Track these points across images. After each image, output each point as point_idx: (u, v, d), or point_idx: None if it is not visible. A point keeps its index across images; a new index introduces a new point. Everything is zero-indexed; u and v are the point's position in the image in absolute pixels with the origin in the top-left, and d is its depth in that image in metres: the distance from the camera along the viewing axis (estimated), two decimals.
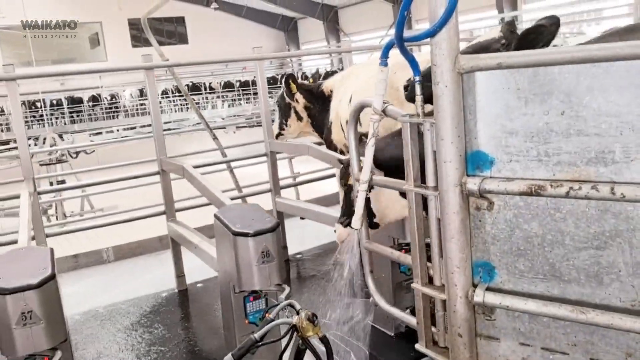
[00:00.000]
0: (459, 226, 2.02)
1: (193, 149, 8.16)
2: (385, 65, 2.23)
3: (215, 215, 3.06)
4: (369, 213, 2.76)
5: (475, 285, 2.07)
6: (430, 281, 2.32)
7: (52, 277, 2.37)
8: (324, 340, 2.27)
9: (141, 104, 25.19)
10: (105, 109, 25.06)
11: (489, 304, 2.02)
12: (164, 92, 25.67)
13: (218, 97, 26.53)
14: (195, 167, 4.40)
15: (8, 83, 4.20)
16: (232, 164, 6.46)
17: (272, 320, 2.27)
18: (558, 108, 1.80)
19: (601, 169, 1.76)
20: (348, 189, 2.99)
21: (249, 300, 3.03)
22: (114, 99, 25.74)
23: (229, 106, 25.55)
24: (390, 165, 2.65)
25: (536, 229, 1.92)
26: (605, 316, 1.78)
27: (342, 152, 4.18)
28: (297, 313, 2.24)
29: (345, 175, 3.05)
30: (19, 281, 2.32)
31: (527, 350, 2.06)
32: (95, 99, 25.06)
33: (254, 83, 26.80)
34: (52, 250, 2.60)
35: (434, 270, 2.26)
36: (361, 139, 2.65)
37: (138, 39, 28.85)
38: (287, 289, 2.80)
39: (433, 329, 2.34)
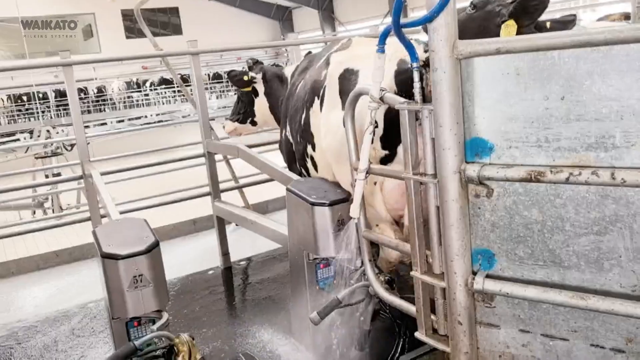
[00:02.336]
0: (458, 213, 2.01)
1: (187, 140, 8.12)
2: (383, 52, 2.20)
3: (288, 189, 3.27)
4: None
5: (474, 273, 2.06)
6: (429, 269, 2.31)
7: (157, 243, 2.60)
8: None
9: (128, 97, 25.08)
10: (93, 102, 24.88)
11: (488, 291, 2.02)
12: (152, 84, 25.56)
13: (207, 88, 26.41)
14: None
15: (65, 69, 4.52)
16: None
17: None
18: (558, 93, 1.78)
19: (601, 154, 1.74)
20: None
21: (320, 267, 3.18)
22: (101, 92, 25.55)
23: (217, 97, 25.43)
24: None
25: (536, 215, 1.91)
26: (606, 302, 1.77)
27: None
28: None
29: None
30: (129, 248, 2.52)
31: (527, 337, 2.06)
32: (82, 92, 24.89)
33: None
34: (146, 221, 2.79)
35: (433, 259, 2.25)
36: None
37: (132, 30, 28.60)
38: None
39: (432, 317, 2.33)
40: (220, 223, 5.25)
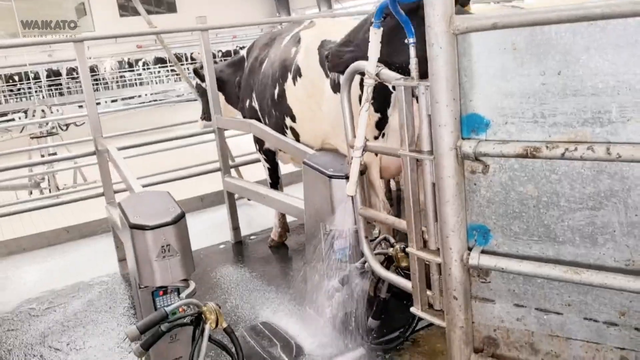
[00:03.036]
0: (454, 190, 2.01)
1: (184, 119, 8.12)
2: (379, 27, 2.19)
3: (305, 162, 3.42)
4: None
5: (470, 249, 2.08)
6: (425, 245, 2.33)
7: (183, 214, 2.67)
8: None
9: (121, 76, 24.87)
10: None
11: (484, 266, 2.03)
12: (145, 63, 25.32)
13: (201, 67, 26.20)
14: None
15: (76, 45, 4.56)
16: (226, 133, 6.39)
17: None
18: (554, 68, 1.78)
19: (597, 130, 1.74)
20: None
21: (336, 238, 3.25)
22: (93, 72, 25.33)
23: None
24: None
25: (531, 191, 1.92)
26: (600, 276, 1.79)
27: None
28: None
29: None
30: (157, 219, 2.58)
31: (521, 311, 2.08)
32: (74, 71, 24.67)
33: (235, 52, 26.70)
34: (169, 193, 2.85)
35: (429, 235, 2.27)
36: None
37: (125, 8, 28.21)
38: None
39: (428, 292, 2.36)
40: (231, 198, 5.34)
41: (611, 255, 1.83)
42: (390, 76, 2.30)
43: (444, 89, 1.93)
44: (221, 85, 5.30)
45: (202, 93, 5.57)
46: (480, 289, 2.14)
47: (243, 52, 5.18)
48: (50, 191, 9.21)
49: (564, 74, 1.76)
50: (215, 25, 6.09)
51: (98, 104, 20.11)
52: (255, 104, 4.54)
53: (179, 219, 2.65)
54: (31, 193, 9.11)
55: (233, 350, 2.53)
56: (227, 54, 26.86)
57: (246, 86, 4.76)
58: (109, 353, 3.64)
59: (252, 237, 5.55)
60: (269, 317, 3.81)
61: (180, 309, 2.44)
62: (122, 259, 4.90)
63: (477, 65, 1.92)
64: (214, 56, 27.06)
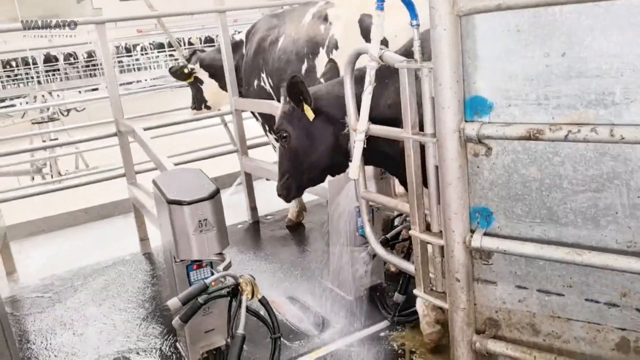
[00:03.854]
0: (457, 172, 2.02)
1: (184, 104, 8.14)
2: (382, 9, 2.17)
3: None
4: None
5: (472, 231, 2.08)
6: (427, 228, 2.34)
7: (218, 190, 2.76)
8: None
9: (119, 61, 24.79)
10: (82, 67, 24.60)
11: (486, 248, 2.04)
12: (143, 48, 25.21)
13: (201, 51, 26.12)
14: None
15: (98, 27, 4.64)
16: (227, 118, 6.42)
17: None
18: (559, 50, 1.77)
19: (601, 111, 1.74)
20: None
21: (360, 215, 3.25)
22: (91, 57, 25.21)
23: None
24: None
25: (534, 173, 1.93)
26: (601, 257, 1.80)
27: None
28: None
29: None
30: (193, 194, 2.67)
31: (523, 293, 2.10)
32: (70, 57, 24.59)
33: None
34: (202, 170, 2.95)
35: (431, 217, 2.28)
36: None
37: None
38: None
39: (430, 274, 2.37)
40: (248, 178, 5.42)
41: (613, 237, 1.84)
42: (393, 58, 2.29)
43: (447, 71, 1.92)
44: (213, 72, 5.41)
45: (193, 82, 5.66)
46: (483, 271, 2.15)
47: (240, 36, 5.24)
48: (52, 177, 9.23)
49: (568, 55, 1.75)
50: (234, 7, 6.08)
51: (96, 89, 20.09)
52: (266, 84, 4.57)
53: (215, 195, 2.73)
54: (33, 179, 9.13)
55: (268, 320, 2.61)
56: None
57: (252, 67, 4.79)
58: (132, 327, 3.78)
59: (268, 217, 5.67)
60: (293, 294, 3.94)
61: (212, 283, 2.50)
62: (143, 238, 5.05)
63: (481, 47, 1.91)
64: (213, 40, 26.99)
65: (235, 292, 2.50)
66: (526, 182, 1.95)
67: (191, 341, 2.93)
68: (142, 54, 25.05)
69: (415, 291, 2.45)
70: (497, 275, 2.13)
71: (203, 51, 6.06)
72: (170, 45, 24.51)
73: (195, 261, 2.84)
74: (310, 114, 2.94)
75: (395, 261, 2.64)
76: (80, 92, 20.38)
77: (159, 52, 25.13)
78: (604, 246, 1.85)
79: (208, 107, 5.78)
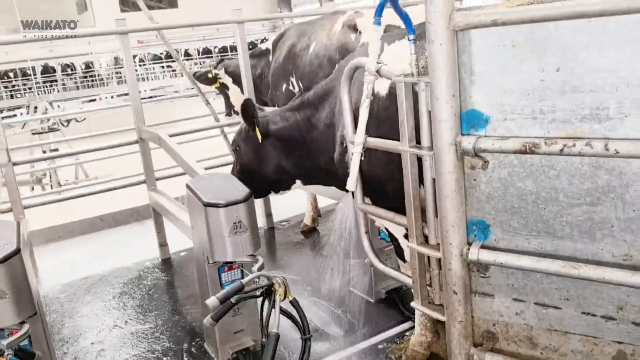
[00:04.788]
0: (454, 185, 2.03)
1: (180, 115, 8.27)
2: (379, 24, 2.20)
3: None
4: None
5: (470, 244, 2.09)
6: (425, 241, 2.35)
7: (251, 194, 2.86)
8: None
9: (117, 72, 24.92)
10: (80, 77, 24.70)
11: (483, 261, 2.05)
12: (141, 60, 25.37)
13: (196, 63, 26.30)
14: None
15: (121, 37, 4.70)
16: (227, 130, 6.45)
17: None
18: (554, 65, 1.79)
19: (595, 126, 1.76)
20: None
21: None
22: (89, 68, 25.29)
23: None
24: None
25: (530, 186, 1.94)
26: (598, 270, 1.81)
27: None
28: None
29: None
30: (228, 197, 2.76)
31: (520, 306, 2.10)
32: (68, 68, 24.70)
33: (232, 49, 26.80)
34: (232, 175, 3.07)
35: (429, 230, 2.29)
36: None
37: (127, 3, 28.16)
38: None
39: (428, 287, 2.38)
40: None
41: (609, 250, 1.85)
42: (390, 72, 2.31)
43: (443, 85, 1.94)
44: (237, 78, 5.56)
45: (220, 88, 5.95)
46: (480, 283, 2.16)
47: (266, 45, 5.44)
48: (52, 187, 9.24)
49: (563, 70, 1.77)
50: (250, 18, 6.19)
51: (93, 101, 20.14)
52: (295, 87, 4.74)
53: (248, 197, 2.83)
54: (33, 189, 9.14)
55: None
56: (223, 49, 26.97)
57: (281, 72, 4.95)
58: (159, 330, 3.83)
59: (283, 223, 5.74)
60: (313, 296, 3.99)
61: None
62: (162, 244, 5.09)
63: (477, 61, 1.93)
64: (210, 52, 27.19)
65: (268, 292, 2.54)
66: (522, 195, 1.97)
67: (221, 341, 3.01)
68: (140, 65, 25.15)
69: (412, 304, 2.45)
70: (494, 288, 2.14)
71: (231, 59, 6.28)
72: (169, 56, 24.66)
73: (227, 263, 2.94)
74: (259, 136, 3.34)
75: (392, 273, 2.64)
76: (84, 102, 20.44)
77: (153, 63, 25.23)
78: (600, 259, 1.86)
79: (236, 113, 5.94)
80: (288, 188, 3.72)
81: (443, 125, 1.98)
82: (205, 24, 5.55)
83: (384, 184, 2.75)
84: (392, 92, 2.55)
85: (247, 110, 3.32)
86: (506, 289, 2.11)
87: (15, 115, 15.99)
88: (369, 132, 2.57)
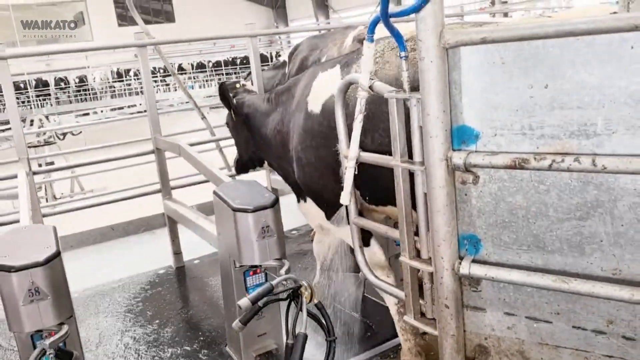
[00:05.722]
0: (445, 200, 2.05)
1: (173, 130, 8.26)
2: (372, 41, 2.23)
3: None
4: None
5: (461, 258, 2.11)
6: (417, 254, 2.36)
7: (278, 199, 2.93)
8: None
9: (110, 87, 25.01)
10: (74, 91, 24.77)
11: (474, 275, 2.07)
12: (135, 74, 25.45)
13: (189, 78, 26.43)
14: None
15: (140, 50, 4.82)
16: (222, 143, 6.47)
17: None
18: (542, 82, 1.82)
19: (583, 142, 1.79)
20: None
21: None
22: (82, 82, 25.35)
23: (200, 87, 25.55)
24: None
25: (520, 201, 1.96)
26: (587, 285, 1.83)
27: None
28: None
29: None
30: (256, 203, 2.84)
31: (512, 320, 2.12)
32: (62, 82, 24.76)
33: (226, 63, 26.95)
34: (257, 181, 3.15)
35: (421, 244, 2.30)
36: None
37: (124, 17, 28.37)
38: None
39: (421, 301, 2.39)
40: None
41: (598, 264, 1.87)
42: (383, 88, 2.34)
43: (434, 102, 1.97)
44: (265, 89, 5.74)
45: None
46: (472, 297, 2.17)
47: (283, 57, 5.55)
48: (47, 200, 9.22)
49: (551, 87, 1.81)
50: (263, 32, 6.30)
51: (87, 114, 20.14)
52: None
53: (275, 203, 2.90)
54: None
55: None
56: (217, 64, 27.14)
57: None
58: (179, 335, 3.90)
59: (293, 232, 5.80)
60: (331, 302, 3.98)
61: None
62: (177, 252, 5.17)
63: (467, 78, 1.96)
64: (204, 67, 27.35)
65: (294, 295, 2.57)
66: (513, 210, 1.99)
67: (245, 345, 3.06)
68: (134, 79, 25.23)
69: (405, 317, 2.46)
70: (486, 302, 2.15)
71: (228, 74, 6.36)
72: (162, 70, 24.74)
73: (252, 267, 3.02)
74: (232, 115, 3.94)
75: (386, 287, 2.65)
76: (78, 115, 20.43)
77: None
78: (590, 273, 1.88)
79: None
80: (261, 165, 4.22)
81: (434, 140, 2.01)
82: (219, 37, 5.69)
83: (320, 193, 3.16)
84: (325, 109, 2.97)
85: (223, 94, 3.88)
86: (497, 303, 2.12)
87: (10, 129, 15.97)
88: (305, 144, 3.12)
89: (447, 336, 2.19)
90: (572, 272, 1.91)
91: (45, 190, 9.39)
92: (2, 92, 4.46)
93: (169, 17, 30.86)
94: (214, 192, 3.06)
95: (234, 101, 3.93)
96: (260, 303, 2.46)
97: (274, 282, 2.52)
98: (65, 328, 2.34)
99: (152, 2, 30.29)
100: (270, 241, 2.85)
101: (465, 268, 2.06)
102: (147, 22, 6.72)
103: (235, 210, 2.84)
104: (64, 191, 9.86)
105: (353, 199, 2.72)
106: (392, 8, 2.03)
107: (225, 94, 3.90)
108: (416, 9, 1.93)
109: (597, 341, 1.95)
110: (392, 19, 2.06)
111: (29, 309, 2.31)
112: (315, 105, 3.05)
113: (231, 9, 31.08)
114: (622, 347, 1.90)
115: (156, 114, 5.00)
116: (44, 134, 10.66)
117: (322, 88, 3.10)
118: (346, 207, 2.76)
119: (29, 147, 10.31)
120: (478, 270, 2.05)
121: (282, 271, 2.71)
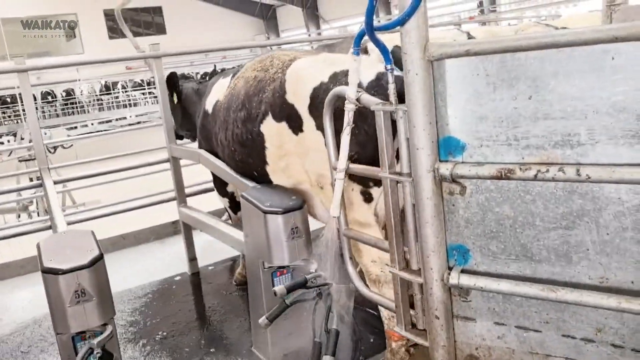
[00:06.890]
0: (433, 211, 2.06)
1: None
2: (357, 54, 2.25)
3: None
4: None
5: (450, 268, 2.12)
6: (407, 266, 2.37)
7: (304, 202, 3.10)
8: None
9: (98, 100, 24.98)
10: (61, 105, 24.68)
11: (464, 285, 2.07)
12: (123, 86, 25.43)
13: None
14: None
15: (156, 61, 4.93)
16: None
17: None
18: (525, 93, 1.84)
19: (567, 152, 1.80)
20: None
21: None
22: (69, 95, 25.26)
23: None
24: None
25: (507, 211, 1.97)
26: (575, 293, 1.84)
27: None
28: None
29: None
30: (285, 205, 2.99)
31: (502, 329, 2.12)
32: (49, 95, 24.68)
33: (213, 74, 26.92)
34: (281, 185, 3.29)
35: (410, 255, 2.31)
36: None
37: (115, 30, 28.35)
38: None
39: (411, 311, 2.39)
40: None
41: (585, 273, 1.88)
42: (370, 101, 2.35)
43: (420, 114, 1.99)
44: None
45: None
46: (462, 308, 2.18)
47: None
48: (38, 214, 9.17)
49: (534, 98, 1.83)
50: (278, 42, 6.32)
51: (75, 127, 20.04)
52: None
53: (303, 206, 3.05)
54: (19, 216, 9.06)
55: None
56: (204, 75, 27.17)
57: None
58: (208, 337, 3.95)
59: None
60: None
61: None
62: (192, 259, 5.23)
63: (452, 90, 1.98)
64: (192, 78, 27.39)
65: (320, 293, 2.67)
66: (500, 220, 2.00)
67: (272, 343, 3.14)
68: (122, 92, 25.17)
69: (396, 329, 2.46)
70: (475, 312, 2.16)
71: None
72: (150, 83, 24.67)
73: (280, 268, 3.15)
74: (174, 99, 4.82)
75: (376, 298, 2.65)
76: (70, 128, 20.35)
77: (133, 89, 25.27)
78: (577, 282, 1.89)
79: None
80: (194, 138, 4.84)
81: (421, 152, 2.02)
82: (233, 47, 5.78)
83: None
84: (214, 110, 3.89)
85: (170, 80, 4.78)
86: (487, 312, 2.13)
87: (2, 143, 15.91)
88: (201, 146, 4.24)
89: (437, 347, 2.19)
90: (560, 281, 1.92)
91: (37, 205, 9.33)
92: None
93: (160, 29, 30.88)
94: (242, 196, 3.20)
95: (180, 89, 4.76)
96: (288, 302, 2.60)
97: (308, 276, 2.66)
98: (109, 328, 2.46)
99: (142, 14, 30.32)
100: (299, 242, 3.01)
101: (455, 278, 2.07)
102: (138, 34, 6.79)
103: (266, 212, 2.99)
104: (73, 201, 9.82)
105: (343, 210, 2.73)
106: (377, 22, 2.06)
107: (175, 82, 4.71)
108: (401, 22, 1.95)
109: (587, 349, 1.95)
110: (377, 32, 2.09)
111: (75, 310, 2.42)
112: (209, 106, 3.96)
113: (222, 20, 31.18)
114: (611, 355, 1.91)
115: (172, 124, 5.04)
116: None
117: (215, 92, 3.96)
118: (337, 218, 2.77)
119: (20, 161, 10.28)
120: (467, 281, 2.06)
121: (312, 269, 2.83)
